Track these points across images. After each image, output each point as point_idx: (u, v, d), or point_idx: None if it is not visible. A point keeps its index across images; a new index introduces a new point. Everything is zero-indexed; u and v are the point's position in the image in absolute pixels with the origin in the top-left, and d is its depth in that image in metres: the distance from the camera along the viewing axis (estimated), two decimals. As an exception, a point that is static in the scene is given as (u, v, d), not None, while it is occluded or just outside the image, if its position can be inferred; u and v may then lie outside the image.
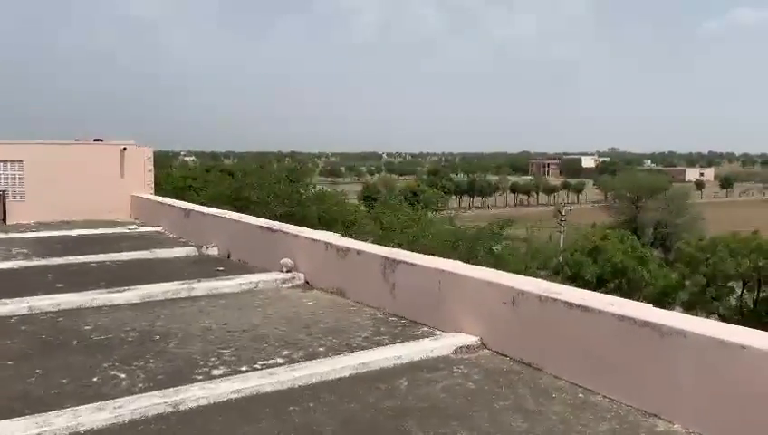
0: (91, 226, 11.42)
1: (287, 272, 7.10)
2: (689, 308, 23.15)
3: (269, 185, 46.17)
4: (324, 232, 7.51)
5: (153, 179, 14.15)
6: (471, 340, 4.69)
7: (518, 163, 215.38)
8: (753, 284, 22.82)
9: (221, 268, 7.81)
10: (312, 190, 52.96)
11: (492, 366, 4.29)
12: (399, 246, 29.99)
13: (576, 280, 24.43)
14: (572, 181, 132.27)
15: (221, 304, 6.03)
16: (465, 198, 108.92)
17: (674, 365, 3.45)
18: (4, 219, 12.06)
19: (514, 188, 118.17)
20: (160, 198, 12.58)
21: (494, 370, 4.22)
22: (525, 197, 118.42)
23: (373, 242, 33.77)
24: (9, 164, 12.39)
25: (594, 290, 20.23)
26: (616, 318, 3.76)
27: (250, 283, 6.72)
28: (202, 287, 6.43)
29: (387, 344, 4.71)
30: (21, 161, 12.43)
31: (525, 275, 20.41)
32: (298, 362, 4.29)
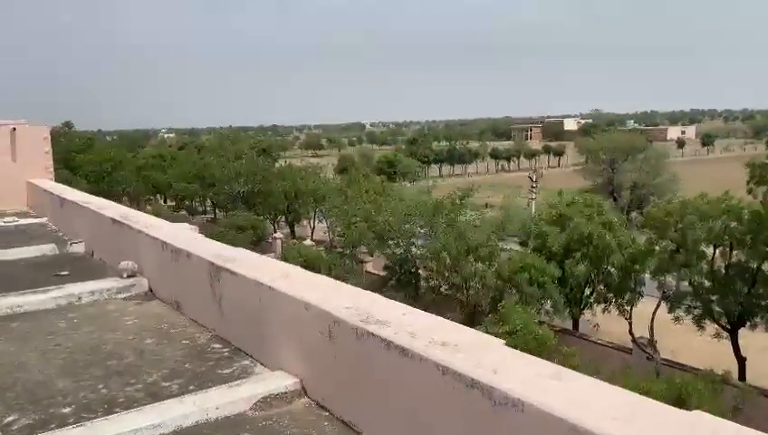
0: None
1: (128, 277, 5.75)
2: (660, 274, 22.17)
3: (229, 162, 44.70)
4: (176, 225, 6.14)
5: (52, 162, 12.64)
6: (288, 383, 3.39)
7: (500, 128, 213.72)
8: (724, 247, 21.84)
9: (65, 273, 6.43)
10: (280, 165, 51.50)
11: (296, 432, 2.99)
12: (365, 221, 28.76)
13: (542, 251, 23.31)
14: (553, 145, 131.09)
15: (11, 329, 4.67)
16: (446, 166, 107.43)
17: (511, 454, 2.16)
18: None
19: (495, 154, 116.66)
20: (48, 185, 11.07)
21: (294, 438, 2.91)
22: (506, 162, 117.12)
23: (336, 216, 32.62)
24: None
25: (561, 261, 19.08)
26: (439, 370, 2.45)
27: (71, 295, 5.35)
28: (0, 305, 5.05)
29: (172, 395, 3.40)
30: None
31: (489, 246, 19.20)
32: (11, 437, 2.97)
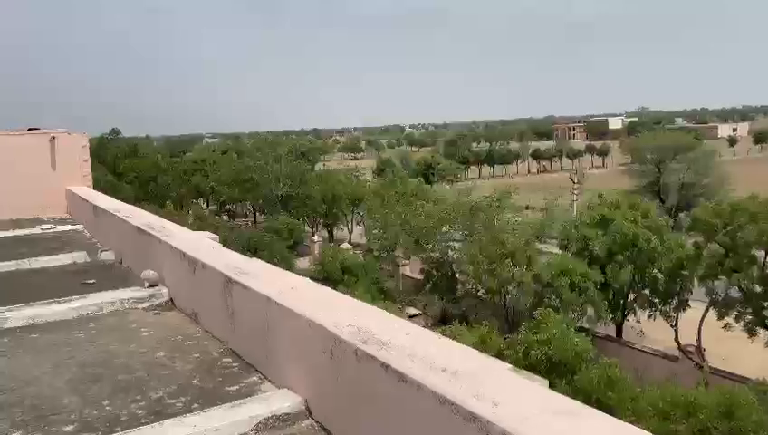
0: (0, 227, 10.20)
1: (149, 287, 5.74)
2: (708, 279, 21.22)
3: (267, 166, 45.18)
4: (197, 234, 6.11)
5: (90, 170, 12.92)
6: (292, 403, 3.27)
7: (542, 128, 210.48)
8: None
9: (92, 281, 6.49)
10: (319, 168, 51.82)
11: (295, 455, 2.86)
12: (401, 223, 28.62)
13: (584, 254, 22.64)
14: (597, 144, 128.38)
15: (29, 341, 4.69)
16: (486, 168, 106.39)
17: (510, 498, 1.97)
18: None
19: (536, 155, 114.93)
20: (84, 192, 11.29)
21: (290, 467, 2.79)
22: (548, 163, 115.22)
23: (373, 219, 32.62)
24: None
25: (603, 265, 18.50)
26: (437, 399, 2.28)
27: (92, 305, 5.37)
28: (20, 316, 5.09)
29: (175, 414, 3.32)
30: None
31: (527, 249, 18.79)
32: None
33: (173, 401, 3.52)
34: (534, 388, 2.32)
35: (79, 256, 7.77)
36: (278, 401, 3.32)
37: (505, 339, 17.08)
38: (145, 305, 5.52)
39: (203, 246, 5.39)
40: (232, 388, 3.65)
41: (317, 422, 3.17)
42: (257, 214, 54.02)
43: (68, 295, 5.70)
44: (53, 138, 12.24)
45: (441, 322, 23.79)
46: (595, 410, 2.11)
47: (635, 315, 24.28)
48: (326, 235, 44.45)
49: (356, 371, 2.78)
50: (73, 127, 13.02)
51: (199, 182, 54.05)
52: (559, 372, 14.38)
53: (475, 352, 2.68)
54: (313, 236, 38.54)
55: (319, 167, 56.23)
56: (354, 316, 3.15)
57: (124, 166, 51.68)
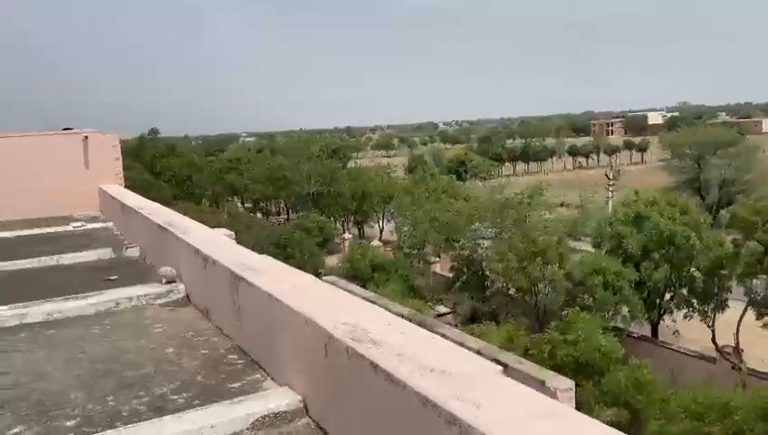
0: (33, 225, 10.49)
1: (167, 283, 5.81)
2: (747, 277, 20.49)
3: (299, 164, 45.53)
4: (213, 231, 6.15)
5: (121, 169, 13.19)
6: (290, 401, 3.25)
7: (580, 124, 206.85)
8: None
9: (114, 277, 6.61)
10: (351, 166, 51.96)
11: (288, 454, 2.84)
12: (430, 220, 28.46)
13: (618, 252, 22.10)
14: (636, 140, 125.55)
15: (45, 336, 4.79)
16: (521, 164, 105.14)
17: (488, 504, 1.90)
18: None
19: (572, 151, 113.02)
20: (114, 190, 11.53)
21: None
22: (584, 159, 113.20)
23: (403, 216, 32.43)
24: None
25: (637, 263, 18.01)
26: (419, 400, 2.22)
27: (110, 301, 5.46)
28: (39, 312, 5.20)
29: (175, 410, 3.33)
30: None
31: (559, 246, 18.44)
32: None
33: (176, 396, 3.54)
34: (523, 391, 2.24)
35: (104, 253, 7.93)
36: (277, 398, 3.30)
37: (532, 338, 16.80)
38: (161, 302, 5.59)
39: (216, 242, 5.42)
40: (234, 385, 3.65)
41: (314, 420, 3.14)
42: (290, 211, 54.57)
43: (88, 292, 5.81)
44: (86, 137, 12.53)
45: (471, 320, 23.57)
46: (580, 414, 2.03)
47: (671, 315, 23.65)
48: (357, 232, 44.57)
49: (348, 369, 2.74)
50: (119, 127, 13.34)
51: (234, 180, 54.91)
52: (586, 374, 14.08)
53: (468, 353, 2.61)
54: (343, 233, 38.68)
55: (351, 164, 56.35)
56: (354, 315, 3.10)
57: (161, 165, 52.78)
